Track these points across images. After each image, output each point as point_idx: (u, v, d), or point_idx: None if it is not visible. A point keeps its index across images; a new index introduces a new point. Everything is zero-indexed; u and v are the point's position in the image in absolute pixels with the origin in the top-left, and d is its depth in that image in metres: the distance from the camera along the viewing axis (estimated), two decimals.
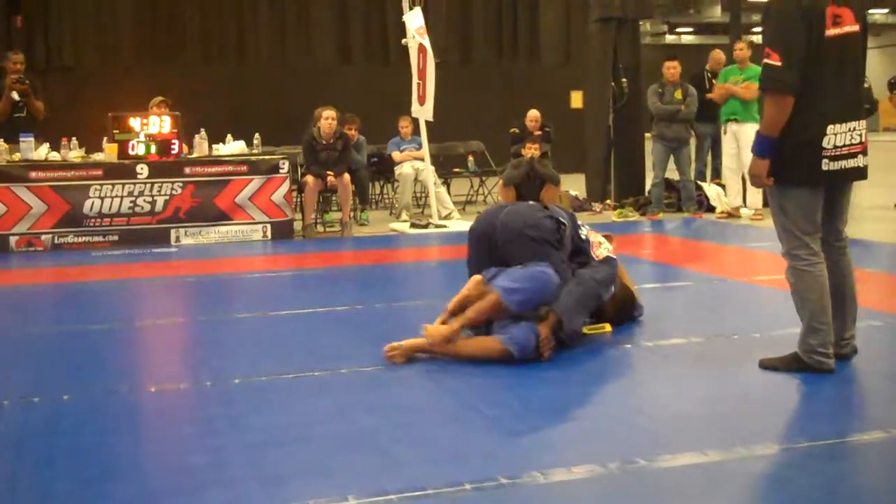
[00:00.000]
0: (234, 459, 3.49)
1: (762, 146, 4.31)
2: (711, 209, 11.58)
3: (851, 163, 4.30)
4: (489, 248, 5.14)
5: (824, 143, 4.23)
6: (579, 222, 5.49)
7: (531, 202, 5.50)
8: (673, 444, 3.55)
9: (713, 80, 11.87)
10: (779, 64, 4.18)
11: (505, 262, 5.03)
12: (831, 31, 4.23)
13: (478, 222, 5.37)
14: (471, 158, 14.11)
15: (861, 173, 4.39)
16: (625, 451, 3.48)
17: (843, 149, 4.26)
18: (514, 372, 4.58)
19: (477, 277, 4.99)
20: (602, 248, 5.42)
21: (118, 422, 4.05)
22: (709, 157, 12.51)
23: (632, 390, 4.46)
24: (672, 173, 11.63)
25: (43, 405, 4.25)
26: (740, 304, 6.43)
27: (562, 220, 5.17)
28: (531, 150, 10.75)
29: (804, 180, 4.29)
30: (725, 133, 11.17)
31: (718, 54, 12.68)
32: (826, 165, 4.25)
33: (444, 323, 4.94)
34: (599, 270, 5.25)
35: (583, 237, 5.36)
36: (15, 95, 10.40)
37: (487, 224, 5.23)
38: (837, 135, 4.24)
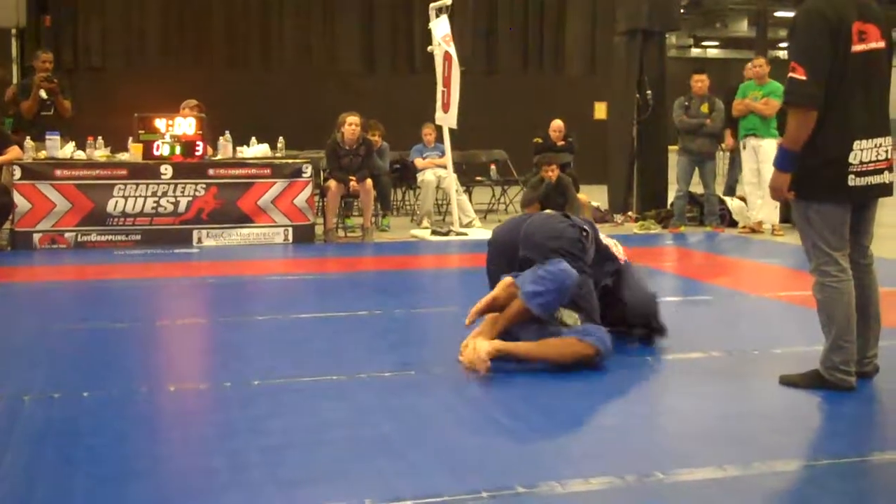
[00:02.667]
0: (251, 462, 3.50)
1: (784, 160, 4.31)
2: (734, 224, 11.54)
3: (877, 179, 4.29)
4: (510, 258, 5.15)
5: (850, 159, 4.21)
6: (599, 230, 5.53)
7: (552, 212, 5.51)
8: (691, 459, 3.54)
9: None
10: (804, 78, 4.17)
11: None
12: (857, 47, 4.23)
13: (499, 233, 5.41)
14: (493, 167, 14.12)
15: (887, 190, 4.38)
16: (643, 464, 3.47)
17: (870, 165, 4.25)
18: (534, 383, 4.56)
19: (507, 279, 4.93)
20: (619, 251, 5.52)
21: (137, 421, 4.07)
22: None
23: (651, 404, 4.45)
24: (696, 187, 11.59)
25: (63, 402, 4.27)
26: (761, 319, 6.39)
27: (584, 227, 5.18)
28: (548, 173, 10.71)
29: (830, 196, 4.27)
30: (745, 148, 11.13)
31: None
32: (852, 181, 4.23)
33: (471, 323, 4.93)
34: (639, 270, 5.49)
35: (603, 243, 5.39)
36: (43, 94, 10.47)
37: (509, 235, 5.25)
38: (864, 150, 4.23)
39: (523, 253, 5.08)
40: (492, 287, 5.24)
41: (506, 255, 5.21)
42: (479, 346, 4.69)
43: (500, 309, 4.89)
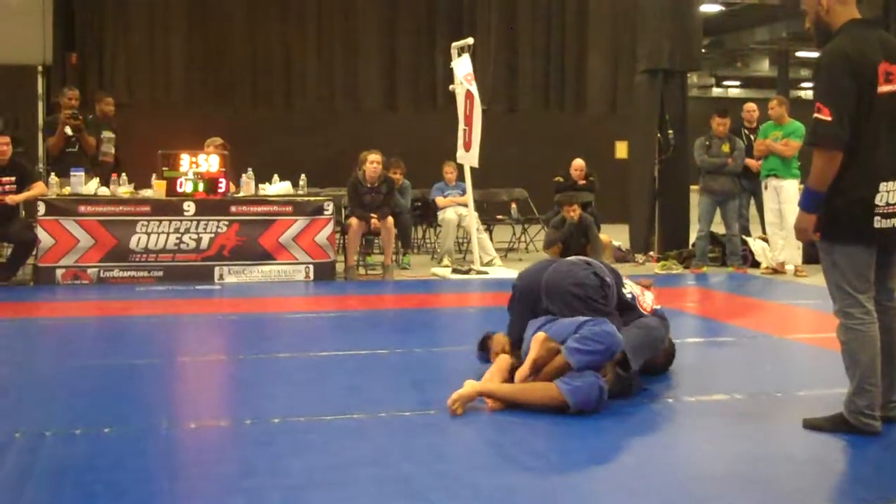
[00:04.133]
0: (271, 502, 3.48)
1: (809, 201, 4.28)
2: (756, 264, 11.48)
3: None
4: (533, 304, 5.21)
5: (877, 201, 4.18)
6: (623, 278, 5.50)
7: (575, 258, 5.52)
8: (712, 502, 3.50)
9: (751, 136, 11.80)
10: (829, 119, 4.15)
11: (551, 315, 5.08)
12: (883, 88, 4.21)
13: (522, 278, 5.47)
14: (514, 206, 14.11)
15: None
16: None
17: None
18: (554, 423, 4.54)
19: (541, 335, 4.90)
20: (647, 299, 5.47)
21: (157, 457, 4.07)
22: (750, 212, 12.37)
23: (672, 446, 4.40)
24: (717, 227, 11.55)
25: (84, 438, 4.27)
26: (784, 361, 6.34)
27: (606, 277, 5.20)
28: (570, 212, 10.74)
29: (856, 237, 4.24)
30: (766, 189, 11.09)
31: (751, 106, 12.69)
32: (878, 223, 4.20)
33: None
34: (654, 320, 5.34)
35: (627, 294, 5.36)
36: (68, 130, 10.58)
37: (532, 282, 5.31)
38: (890, 192, 4.20)
39: (546, 304, 5.13)
40: (511, 324, 5.35)
41: (529, 299, 5.28)
42: (464, 386, 4.72)
43: (542, 368, 4.84)
